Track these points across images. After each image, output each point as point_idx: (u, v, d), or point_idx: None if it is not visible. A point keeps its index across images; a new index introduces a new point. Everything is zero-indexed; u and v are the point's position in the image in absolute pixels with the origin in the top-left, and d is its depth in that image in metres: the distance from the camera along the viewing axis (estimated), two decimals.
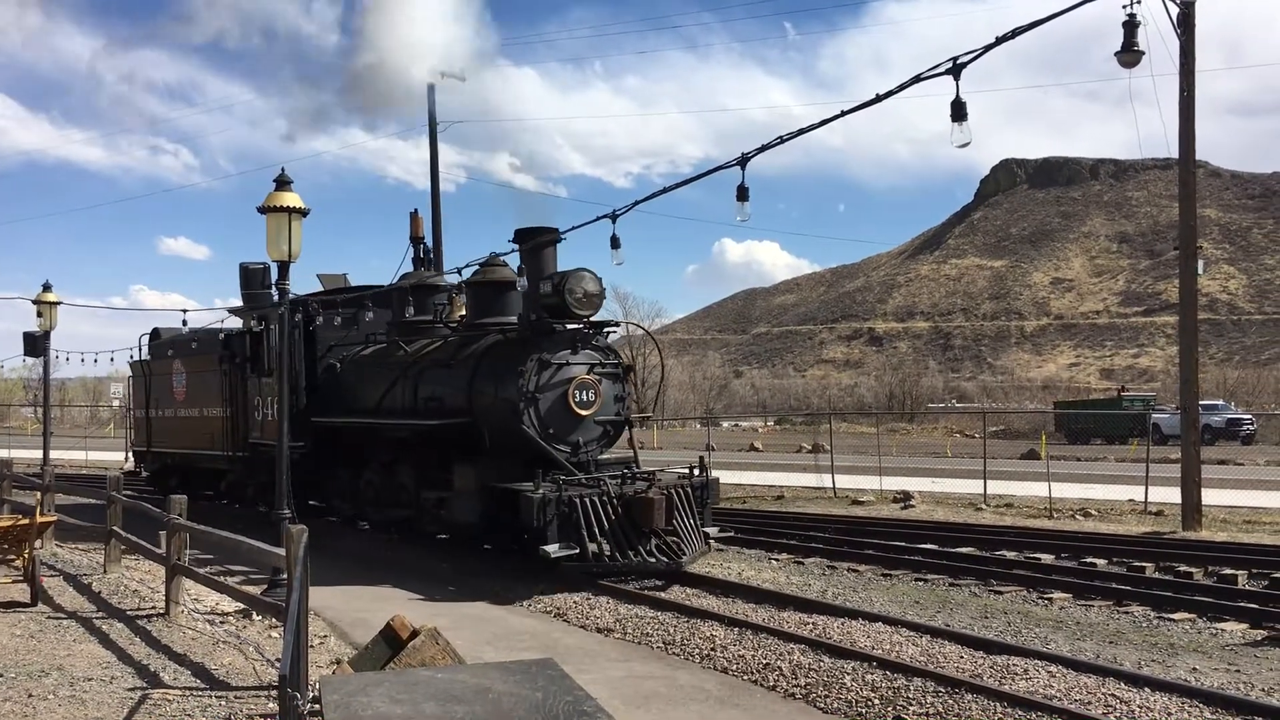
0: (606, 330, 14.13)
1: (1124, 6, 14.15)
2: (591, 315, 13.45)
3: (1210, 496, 18.76)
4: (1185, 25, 15.13)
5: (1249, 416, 49.72)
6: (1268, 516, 19.45)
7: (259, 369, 17.36)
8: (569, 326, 13.49)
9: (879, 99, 8.29)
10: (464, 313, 15.95)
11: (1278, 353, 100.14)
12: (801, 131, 9.25)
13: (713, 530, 14.07)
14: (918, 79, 7.95)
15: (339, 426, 16.71)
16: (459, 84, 30.20)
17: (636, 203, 11.90)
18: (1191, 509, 17.79)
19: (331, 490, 17.49)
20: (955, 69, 7.43)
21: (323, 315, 17.65)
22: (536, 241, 13.50)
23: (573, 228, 14.26)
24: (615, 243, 12.83)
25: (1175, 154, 16.59)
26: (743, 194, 9.94)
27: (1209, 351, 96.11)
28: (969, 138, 7.50)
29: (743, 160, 9.60)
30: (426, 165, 30.67)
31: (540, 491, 12.29)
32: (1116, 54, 14.59)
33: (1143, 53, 14.52)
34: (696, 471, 13.94)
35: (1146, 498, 20.73)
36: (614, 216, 12.38)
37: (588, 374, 13.59)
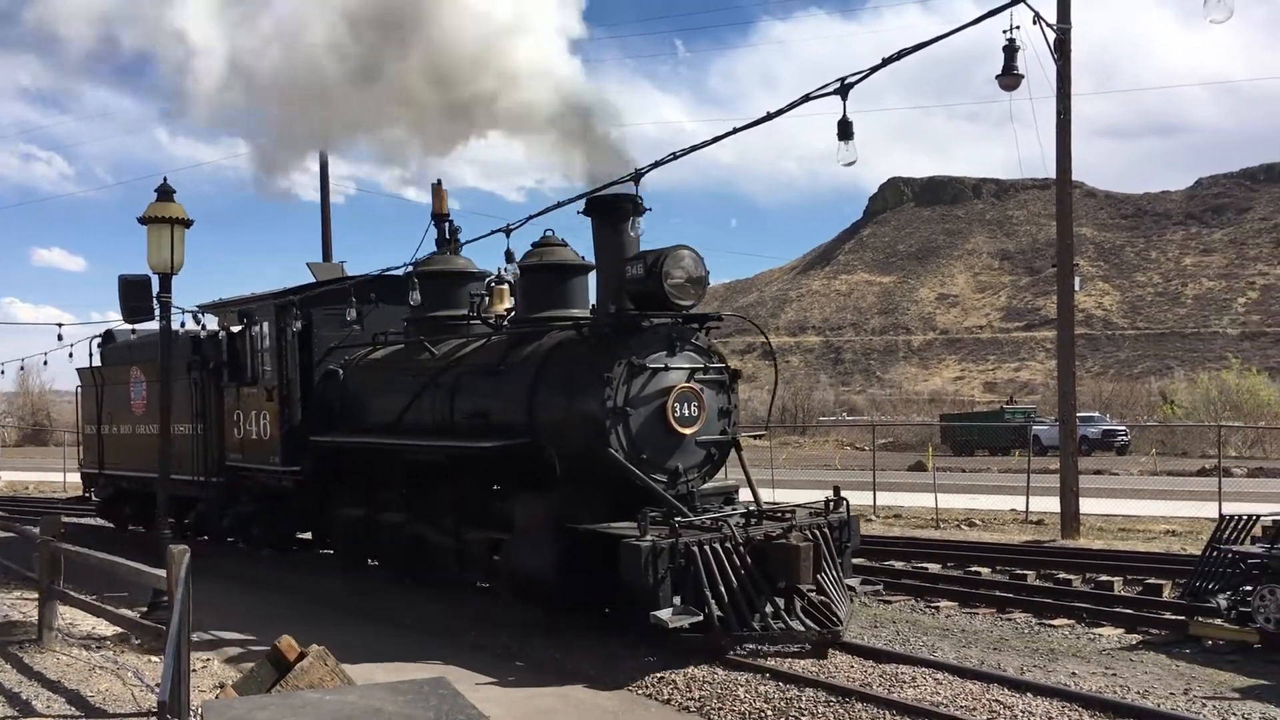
0: (708, 326, 11.24)
1: (1004, 31, 13.10)
2: (694, 305, 10.70)
3: (1088, 505, 19.32)
4: (1061, 50, 15.70)
5: (1124, 428, 50.57)
6: (1141, 524, 20.04)
7: (240, 377, 14.81)
8: (658, 321, 10.62)
9: (769, 117, 8.40)
10: (507, 305, 12.88)
11: (1150, 366, 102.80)
12: (694, 148, 9.40)
13: (854, 581, 11.19)
14: (806, 98, 8.05)
15: (347, 447, 13.58)
16: None
17: (531, 217, 11.31)
18: (1070, 518, 18.27)
19: (336, 526, 14.24)
20: (843, 89, 7.50)
21: (319, 311, 14.53)
22: (618, 209, 10.53)
23: (467, 241, 13.72)
24: (510, 257, 12.35)
25: (1053, 174, 17.14)
26: (637, 209, 10.49)
27: (1086, 365, 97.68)
28: (855, 156, 7.62)
29: (636, 176, 9.95)
30: (315, 176, 29.79)
31: (649, 538, 9.22)
32: (997, 77, 13.61)
33: (1022, 76, 13.63)
34: (830, 505, 10.94)
35: (1028, 507, 21.17)
36: (508, 230, 11.43)
37: (688, 381, 10.70)
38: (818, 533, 10.20)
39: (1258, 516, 11.99)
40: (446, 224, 13.83)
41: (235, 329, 15.47)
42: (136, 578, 8.65)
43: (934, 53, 7.82)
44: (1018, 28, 13.78)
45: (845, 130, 7.35)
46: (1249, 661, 9.82)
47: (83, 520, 21.94)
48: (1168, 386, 71.13)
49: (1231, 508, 15.21)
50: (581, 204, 10.99)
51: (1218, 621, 10.68)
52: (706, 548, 9.42)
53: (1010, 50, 14.16)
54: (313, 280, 15.69)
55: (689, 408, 10.66)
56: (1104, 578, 13.57)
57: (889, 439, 59.05)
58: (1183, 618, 11.20)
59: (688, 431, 10.66)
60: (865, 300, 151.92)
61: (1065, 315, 18.02)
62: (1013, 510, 22.36)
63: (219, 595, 12.41)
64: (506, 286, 12.85)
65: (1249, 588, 10.57)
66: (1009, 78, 14.32)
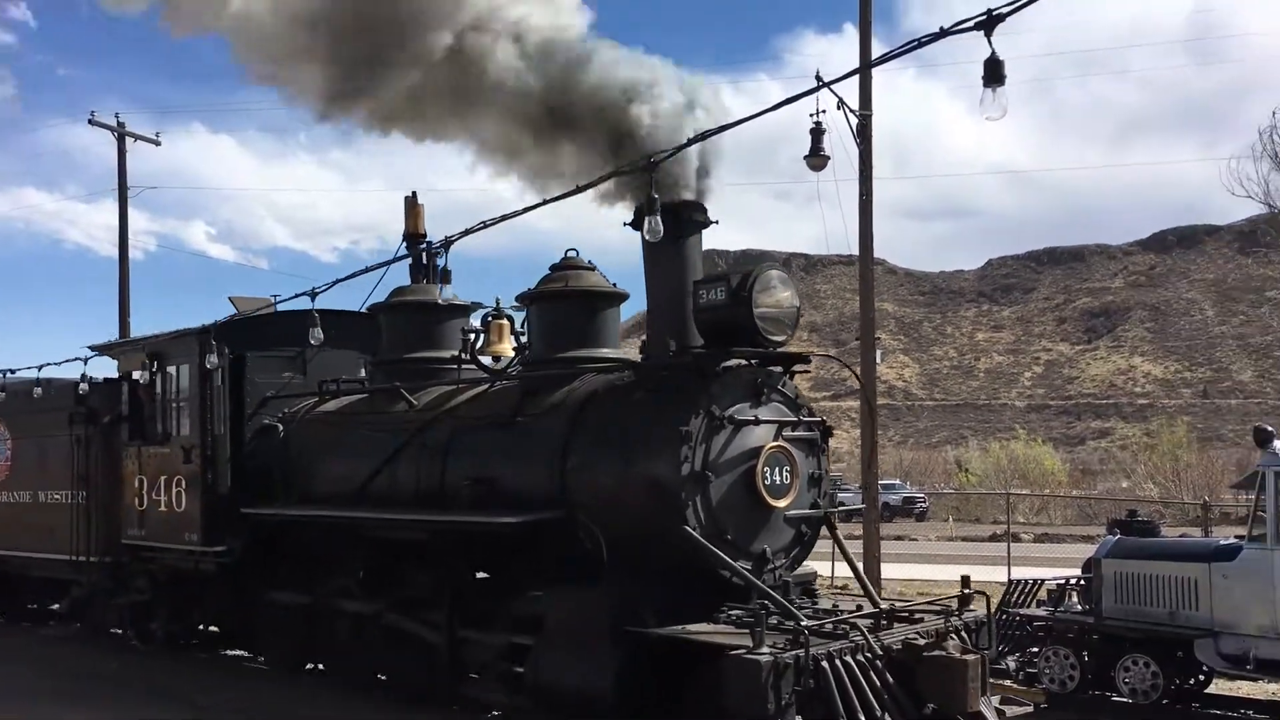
0: (794, 370, 8.62)
1: (810, 115, 14.76)
2: (786, 342, 8.28)
3: (889, 570, 18.79)
4: (864, 134, 16.08)
5: (922, 495, 51.32)
6: (938, 587, 19.14)
7: (144, 434, 11.92)
8: (731, 363, 8.11)
9: (579, 190, 8.27)
10: (508, 345, 10.07)
11: (946, 435, 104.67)
12: (506, 217, 8.79)
13: (995, 699, 7.98)
14: (615, 173, 8.18)
15: (295, 522, 10.66)
16: (153, 148, 26.83)
17: (337, 280, 10.37)
18: (873, 582, 17.31)
19: (265, 616, 11.26)
20: (649, 164, 7.49)
21: (253, 353, 11.67)
22: (682, 218, 8.22)
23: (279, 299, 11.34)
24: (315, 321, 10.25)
25: (856, 251, 17.31)
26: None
27: (887, 434, 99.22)
28: (662, 231, 7.48)
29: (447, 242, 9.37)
30: (112, 230, 26.64)
31: (765, 649, 6.69)
32: (805, 158, 15.51)
33: (829, 157, 15.50)
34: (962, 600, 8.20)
35: (833, 571, 20.14)
36: (313, 294, 10.48)
37: (776, 440, 8.11)
38: (962, 638, 7.59)
39: (1043, 580, 12.23)
40: (424, 246, 11.20)
41: (139, 374, 12.58)
42: None
43: (743, 133, 7.76)
44: (824, 112, 14.88)
45: (652, 206, 7.36)
46: None
47: None
48: (962, 455, 72.95)
49: (1019, 572, 15.71)
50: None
51: (1007, 682, 10.71)
52: (838, 661, 6.82)
53: (817, 132, 15.13)
54: (236, 314, 12.70)
55: (781, 474, 8.07)
56: None
57: None
58: None
59: (780, 504, 8.06)
60: None
61: (868, 386, 17.26)
62: (817, 574, 20.61)
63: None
64: (506, 322, 10.38)
65: (1035, 649, 11.15)
66: (816, 159, 15.53)
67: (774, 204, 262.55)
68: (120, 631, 13.75)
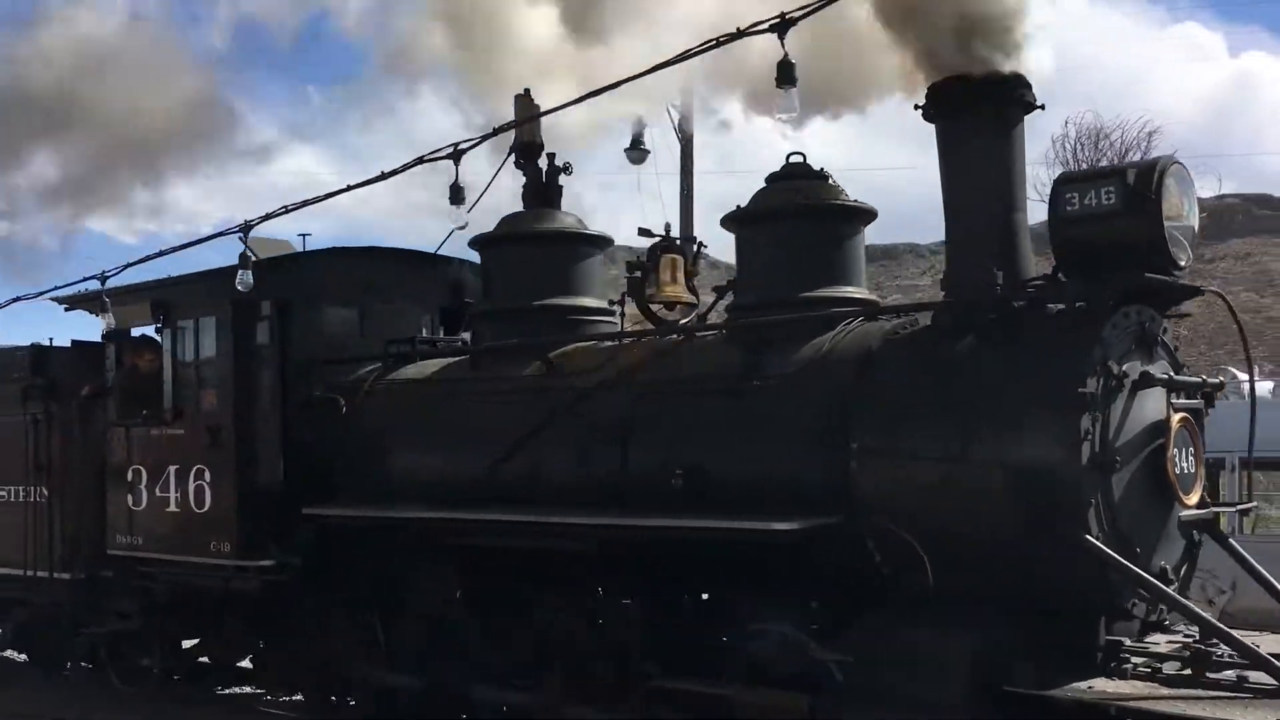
0: (1176, 314, 6.03)
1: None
2: (1186, 270, 5.66)
3: None
4: (684, 131, 17.10)
5: None
6: None
7: (144, 410, 8.92)
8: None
9: (384, 176, 7.63)
10: (671, 289, 7.43)
11: None
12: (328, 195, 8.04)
13: None
14: (421, 160, 7.33)
15: (367, 526, 7.83)
16: None
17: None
18: None
19: (322, 650, 8.38)
20: (456, 154, 7.02)
21: (302, 306, 8.64)
22: (1007, 96, 5.74)
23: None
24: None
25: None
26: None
27: None
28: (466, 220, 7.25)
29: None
30: None
31: None
32: (626, 150, 16.04)
33: (649, 151, 16.27)
34: None
35: None
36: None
37: (1168, 410, 5.53)
38: None
39: None
40: (546, 161, 8.36)
41: (141, 331, 9.56)
42: None
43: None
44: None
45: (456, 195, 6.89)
46: None
47: None
48: None
49: None
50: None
51: None
52: None
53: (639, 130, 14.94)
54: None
55: (1187, 458, 5.52)
56: None
57: None
58: None
59: (1191, 500, 5.53)
60: None
61: None
62: None
63: None
64: (679, 257, 7.66)
65: None
66: (636, 152, 16.23)
67: (599, 194, 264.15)
68: (87, 667, 10.67)
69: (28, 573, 10.37)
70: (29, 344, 10.82)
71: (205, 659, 10.23)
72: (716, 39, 5.58)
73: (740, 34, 5.26)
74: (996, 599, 5.26)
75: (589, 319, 7.91)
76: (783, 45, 5.15)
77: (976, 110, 5.85)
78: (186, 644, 10.14)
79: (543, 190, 8.16)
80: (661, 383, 6.74)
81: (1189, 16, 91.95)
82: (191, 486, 8.57)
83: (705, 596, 7.01)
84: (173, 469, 8.77)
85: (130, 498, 9.17)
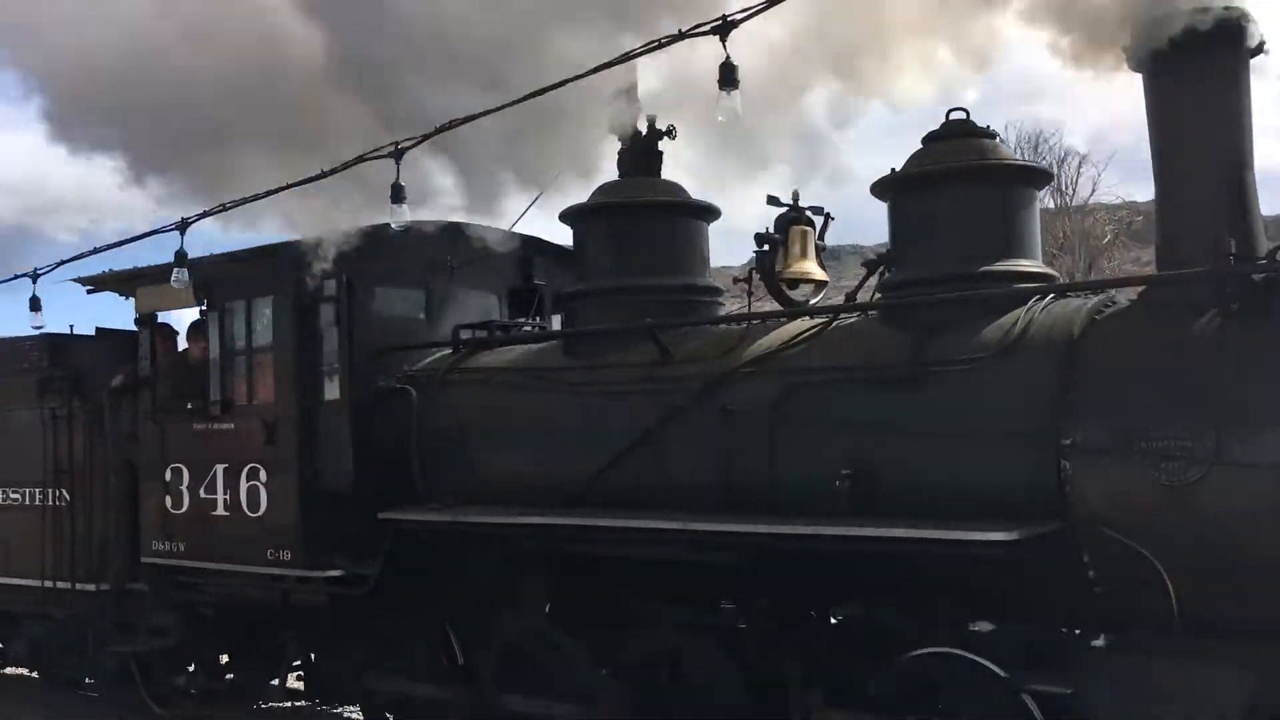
0: None
1: None
2: None
3: None
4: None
5: None
6: None
7: (189, 402, 7.97)
8: None
9: (324, 175, 6.72)
10: (801, 265, 6.55)
11: None
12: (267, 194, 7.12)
13: None
14: (362, 159, 6.59)
15: (499, 532, 6.70)
16: None
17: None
18: None
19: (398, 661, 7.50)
20: (397, 153, 6.31)
21: (368, 285, 7.70)
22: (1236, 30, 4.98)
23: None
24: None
25: None
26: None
27: None
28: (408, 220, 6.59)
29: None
30: None
31: None
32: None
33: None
34: None
35: None
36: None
37: None
38: None
39: None
40: (647, 124, 7.41)
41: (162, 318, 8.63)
42: None
43: None
44: None
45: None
46: None
47: None
48: None
49: None
50: None
51: None
52: None
53: None
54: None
55: None
56: None
57: None
58: None
59: None
60: None
61: None
62: None
63: None
64: (809, 229, 6.80)
65: None
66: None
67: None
68: (111, 685, 9.73)
69: (45, 584, 9.43)
70: (38, 332, 9.81)
71: (231, 676, 9.28)
72: (659, 40, 5.39)
73: (682, 35, 5.08)
74: (1272, 631, 4.42)
75: (701, 299, 7.04)
76: (725, 47, 4.98)
77: (1195, 54, 5.01)
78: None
79: (642, 157, 7.24)
80: (815, 370, 5.87)
81: None
82: (244, 487, 7.64)
83: (853, 613, 6.16)
84: (220, 468, 7.83)
85: (169, 500, 8.22)
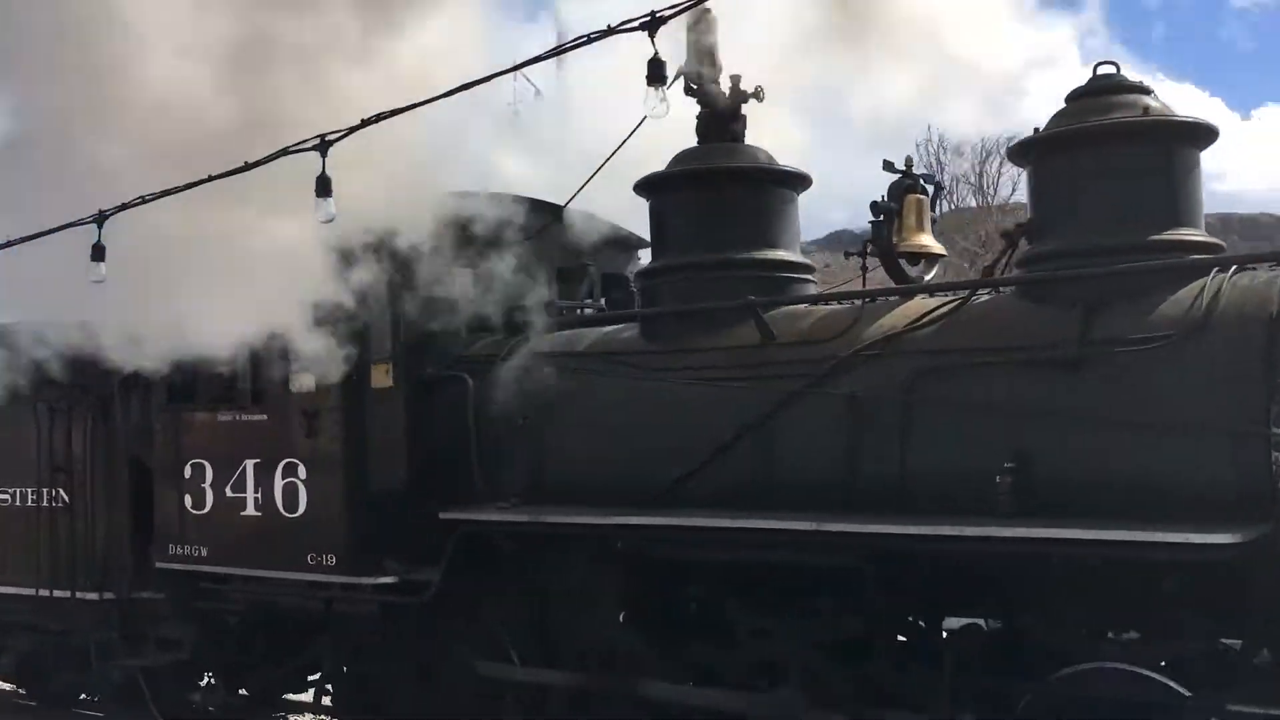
0: None
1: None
2: None
3: None
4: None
5: None
6: None
7: (213, 390, 7.27)
8: None
9: (248, 167, 6.11)
10: (917, 237, 5.97)
11: None
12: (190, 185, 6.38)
13: None
14: (286, 151, 6.01)
15: (596, 533, 5.98)
16: None
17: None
18: None
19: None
20: (323, 146, 5.72)
21: (412, 260, 6.77)
22: None
23: None
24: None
25: None
26: None
27: None
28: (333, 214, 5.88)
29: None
30: None
31: None
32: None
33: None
34: None
35: None
36: None
37: None
38: None
39: None
40: (730, 85, 6.67)
41: None
42: None
43: None
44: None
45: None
46: None
47: None
48: None
49: None
50: None
51: None
52: None
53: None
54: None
55: None
56: None
57: None
58: None
59: None
60: None
61: None
62: None
63: None
64: (924, 199, 6.15)
65: None
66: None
67: None
68: (94, 702, 8.91)
69: (40, 592, 8.56)
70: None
71: (244, 691, 8.49)
72: (587, 36, 5.12)
73: (610, 31, 4.87)
74: None
75: (794, 275, 6.37)
76: (653, 44, 4.79)
77: None
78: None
79: (724, 121, 6.55)
80: (954, 352, 5.22)
81: None
82: (279, 485, 6.87)
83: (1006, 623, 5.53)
84: (250, 464, 7.05)
85: (188, 499, 7.42)
